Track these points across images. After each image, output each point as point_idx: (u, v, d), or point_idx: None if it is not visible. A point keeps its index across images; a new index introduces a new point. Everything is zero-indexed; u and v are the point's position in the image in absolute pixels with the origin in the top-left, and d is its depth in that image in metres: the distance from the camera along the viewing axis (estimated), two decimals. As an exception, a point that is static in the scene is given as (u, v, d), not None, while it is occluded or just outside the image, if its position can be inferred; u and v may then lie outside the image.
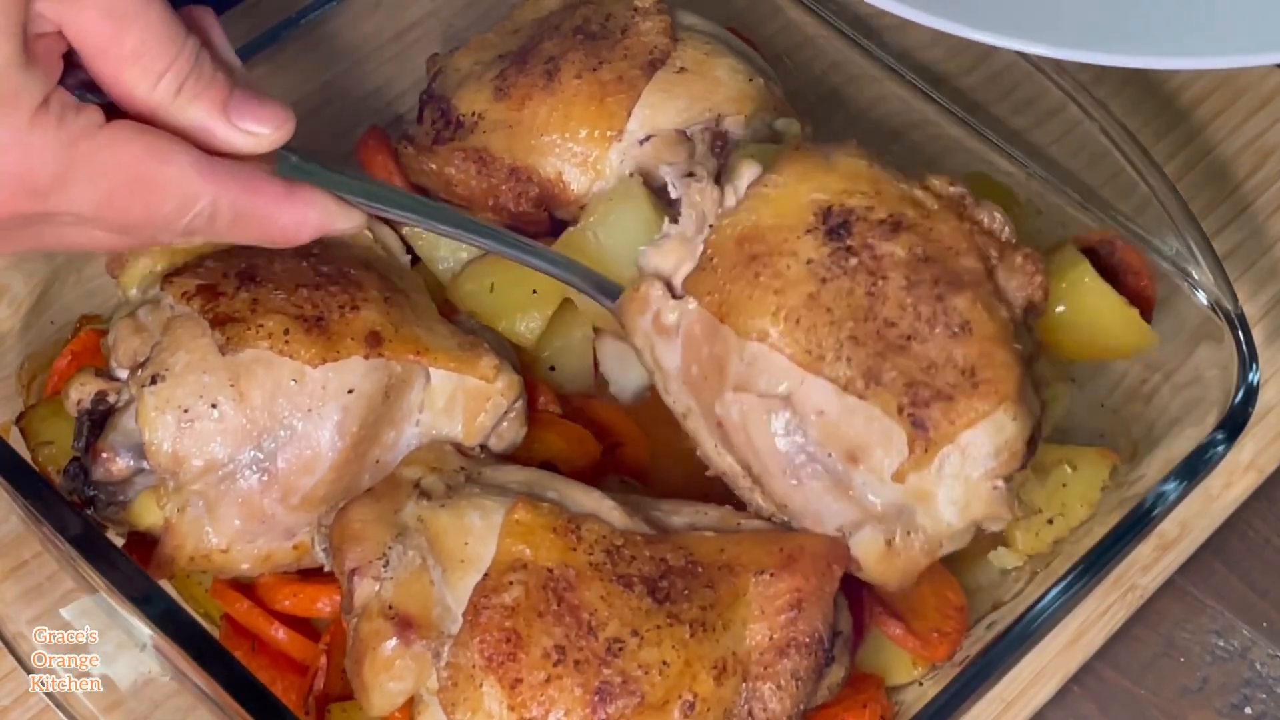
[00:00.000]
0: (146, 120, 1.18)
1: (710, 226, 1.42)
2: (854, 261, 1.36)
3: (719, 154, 1.58)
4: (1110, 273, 1.57)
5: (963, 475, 1.34)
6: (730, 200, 1.43)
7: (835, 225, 1.38)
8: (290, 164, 1.27)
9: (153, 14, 1.14)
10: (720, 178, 1.45)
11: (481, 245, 1.46)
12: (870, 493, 1.37)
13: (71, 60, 1.17)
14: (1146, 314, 1.56)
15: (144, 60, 1.15)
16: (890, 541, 1.38)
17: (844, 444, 1.36)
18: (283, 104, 1.25)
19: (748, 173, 1.43)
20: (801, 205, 1.40)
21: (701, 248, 1.41)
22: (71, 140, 1.13)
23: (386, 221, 1.59)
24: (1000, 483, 1.35)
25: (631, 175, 1.58)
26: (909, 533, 1.37)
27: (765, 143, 1.59)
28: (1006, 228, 1.42)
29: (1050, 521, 1.53)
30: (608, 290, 1.49)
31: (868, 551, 1.39)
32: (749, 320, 1.37)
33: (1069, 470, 1.54)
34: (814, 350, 1.35)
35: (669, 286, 1.43)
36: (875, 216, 1.38)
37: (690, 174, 1.45)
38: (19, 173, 1.12)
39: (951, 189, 1.42)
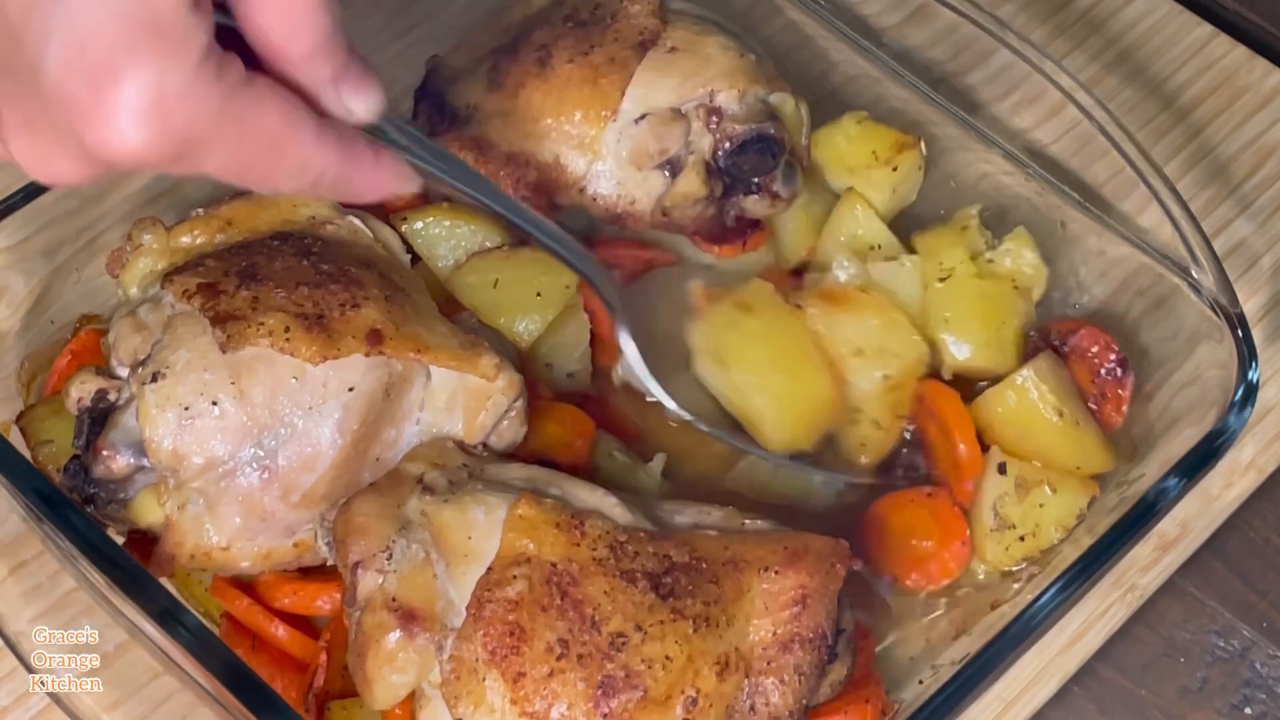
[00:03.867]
0: (268, 62, 1.15)
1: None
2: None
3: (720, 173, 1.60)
4: (1075, 359, 1.62)
5: None
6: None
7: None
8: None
9: None
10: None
11: (526, 228, 1.43)
12: None
13: None
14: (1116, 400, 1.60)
15: (285, 17, 1.12)
16: None
17: None
18: (376, 80, 1.22)
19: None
20: None
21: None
22: (229, 94, 1.10)
23: (387, 222, 1.59)
24: None
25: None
26: None
27: (759, 121, 1.59)
28: None
29: (1021, 539, 1.54)
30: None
31: None
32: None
33: (1049, 492, 1.55)
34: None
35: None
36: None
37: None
38: (179, 123, 1.07)
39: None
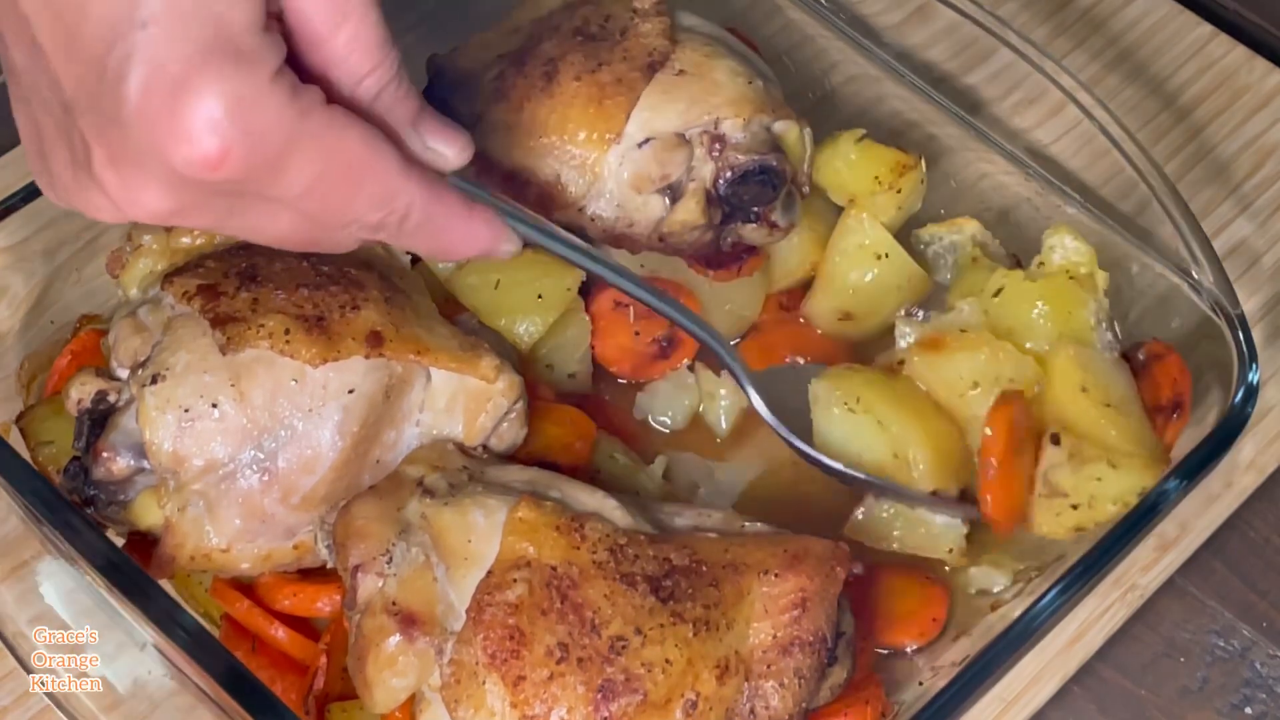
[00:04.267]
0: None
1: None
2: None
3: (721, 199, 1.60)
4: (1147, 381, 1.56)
5: None
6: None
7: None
8: (460, 186, 1.29)
9: (372, 15, 1.15)
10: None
11: (634, 294, 1.48)
12: None
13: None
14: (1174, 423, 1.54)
15: (352, 58, 1.16)
16: None
17: None
18: (464, 130, 1.26)
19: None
20: None
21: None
22: (305, 111, 1.13)
23: None
24: None
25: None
26: None
27: (762, 152, 1.59)
28: None
29: (1075, 507, 1.49)
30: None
31: None
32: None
33: (1108, 467, 1.48)
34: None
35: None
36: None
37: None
38: (255, 131, 1.11)
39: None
